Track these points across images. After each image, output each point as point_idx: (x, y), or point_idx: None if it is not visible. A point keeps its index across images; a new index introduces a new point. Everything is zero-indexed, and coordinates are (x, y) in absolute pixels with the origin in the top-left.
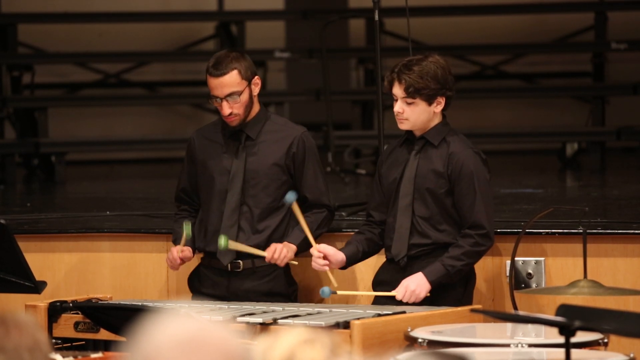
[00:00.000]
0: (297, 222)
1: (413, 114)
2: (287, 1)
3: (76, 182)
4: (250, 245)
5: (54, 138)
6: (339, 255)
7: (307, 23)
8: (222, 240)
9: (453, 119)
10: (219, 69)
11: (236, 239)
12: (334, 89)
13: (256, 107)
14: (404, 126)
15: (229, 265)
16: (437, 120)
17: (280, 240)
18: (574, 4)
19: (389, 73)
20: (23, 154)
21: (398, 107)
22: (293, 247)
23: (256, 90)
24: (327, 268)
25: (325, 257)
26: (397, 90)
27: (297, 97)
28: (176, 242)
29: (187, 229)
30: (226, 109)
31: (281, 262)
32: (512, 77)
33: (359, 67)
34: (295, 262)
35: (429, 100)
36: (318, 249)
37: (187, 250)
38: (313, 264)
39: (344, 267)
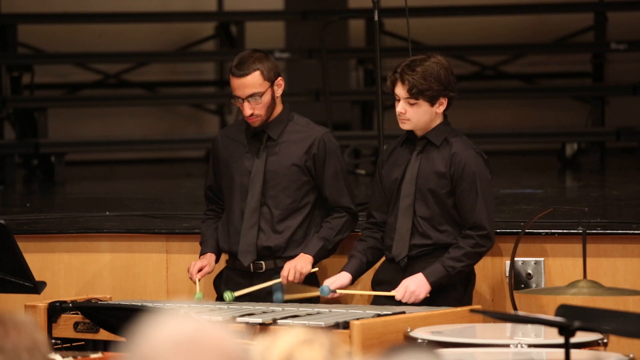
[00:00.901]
0: (319, 225)
1: (415, 115)
2: (287, 1)
3: (76, 182)
4: (270, 246)
5: (54, 138)
6: (345, 280)
7: (306, 23)
8: (227, 296)
9: (453, 119)
10: (242, 69)
11: (256, 240)
12: (333, 89)
13: (279, 108)
14: (405, 126)
15: (250, 266)
16: (438, 120)
17: (301, 242)
18: (574, 4)
19: (392, 73)
20: (23, 154)
21: (400, 107)
22: (308, 258)
23: (279, 91)
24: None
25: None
26: (400, 91)
27: (297, 98)
28: (201, 245)
29: (198, 296)
30: (247, 109)
31: (299, 280)
32: (511, 78)
33: (359, 68)
34: (316, 269)
35: (432, 101)
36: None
37: (208, 266)
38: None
39: (351, 283)
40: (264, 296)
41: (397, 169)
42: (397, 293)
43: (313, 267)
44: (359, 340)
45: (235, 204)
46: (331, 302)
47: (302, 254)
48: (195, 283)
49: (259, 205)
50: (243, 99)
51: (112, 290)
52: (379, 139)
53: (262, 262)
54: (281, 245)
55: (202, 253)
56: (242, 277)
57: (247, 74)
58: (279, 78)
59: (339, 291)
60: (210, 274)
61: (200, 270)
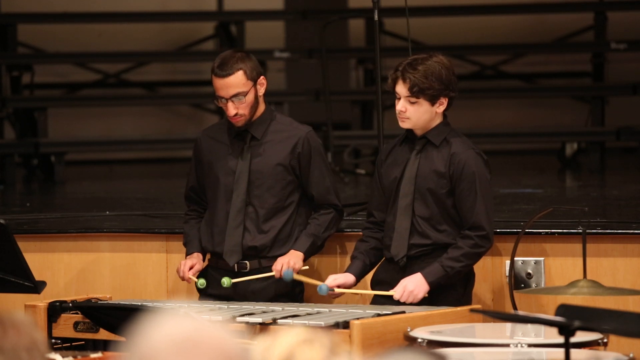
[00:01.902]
0: (303, 223)
1: (415, 114)
2: (287, 1)
3: (76, 182)
4: (256, 246)
5: (54, 138)
6: (349, 280)
7: (306, 23)
8: (225, 281)
9: (453, 119)
10: (224, 70)
11: (242, 240)
12: (333, 89)
13: (261, 107)
14: (405, 125)
15: (235, 265)
16: (438, 120)
17: (286, 241)
18: (574, 4)
19: (393, 71)
20: (23, 154)
21: (401, 105)
22: (300, 255)
23: (262, 90)
24: (341, 294)
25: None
26: (401, 89)
27: (297, 97)
28: (187, 245)
29: (200, 283)
30: (231, 109)
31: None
32: (511, 77)
33: (359, 67)
34: (306, 267)
35: (432, 101)
36: (329, 285)
37: (198, 264)
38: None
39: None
40: (249, 295)
41: (396, 168)
42: (396, 293)
43: (303, 264)
44: (359, 340)
45: (220, 204)
46: (328, 301)
47: (292, 251)
48: (189, 280)
49: (244, 205)
50: (227, 99)
51: (112, 290)
52: (379, 138)
53: (246, 261)
54: (267, 245)
55: (188, 253)
56: (226, 276)
57: (230, 74)
58: (262, 77)
59: (337, 290)
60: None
61: (191, 268)
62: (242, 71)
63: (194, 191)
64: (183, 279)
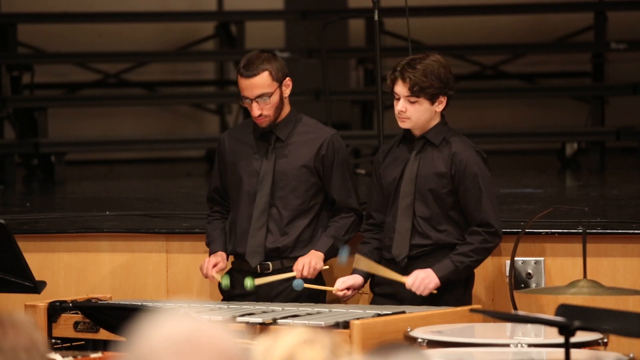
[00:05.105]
0: (326, 225)
1: (416, 113)
2: (287, 1)
3: (76, 182)
4: (278, 247)
5: (54, 138)
6: (358, 281)
7: (306, 23)
8: (248, 282)
9: (453, 119)
10: (250, 70)
11: (264, 241)
12: (333, 89)
13: (287, 109)
14: (405, 125)
15: (257, 267)
16: (437, 120)
17: (308, 242)
18: (574, 4)
19: (392, 72)
20: (23, 154)
21: (401, 105)
22: (320, 255)
23: (287, 91)
24: (353, 294)
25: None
26: (401, 89)
27: (297, 97)
28: (210, 245)
29: (225, 281)
30: (256, 110)
31: (312, 275)
32: (511, 77)
33: (359, 67)
34: (326, 267)
35: (432, 99)
36: (339, 289)
37: (222, 262)
38: (342, 300)
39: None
40: (266, 296)
41: (395, 169)
42: (408, 280)
43: (325, 264)
44: (359, 340)
45: (243, 205)
46: (328, 301)
47: (313, 251)
48: (212, 278)
49: (268, 206)
50: (252, 100)
51: (112, 290)
52: (379, 139)
53: (269, 262)
54: (289, 246)
55: (212, 252)
56: (248, 277)
57: (255, 75)
58: (287, 78)
59: (343, 293)
60: (186, 271)
61: (214, 266)
62: (267, 72)
63: (217, 192)
64: (206, 276)
